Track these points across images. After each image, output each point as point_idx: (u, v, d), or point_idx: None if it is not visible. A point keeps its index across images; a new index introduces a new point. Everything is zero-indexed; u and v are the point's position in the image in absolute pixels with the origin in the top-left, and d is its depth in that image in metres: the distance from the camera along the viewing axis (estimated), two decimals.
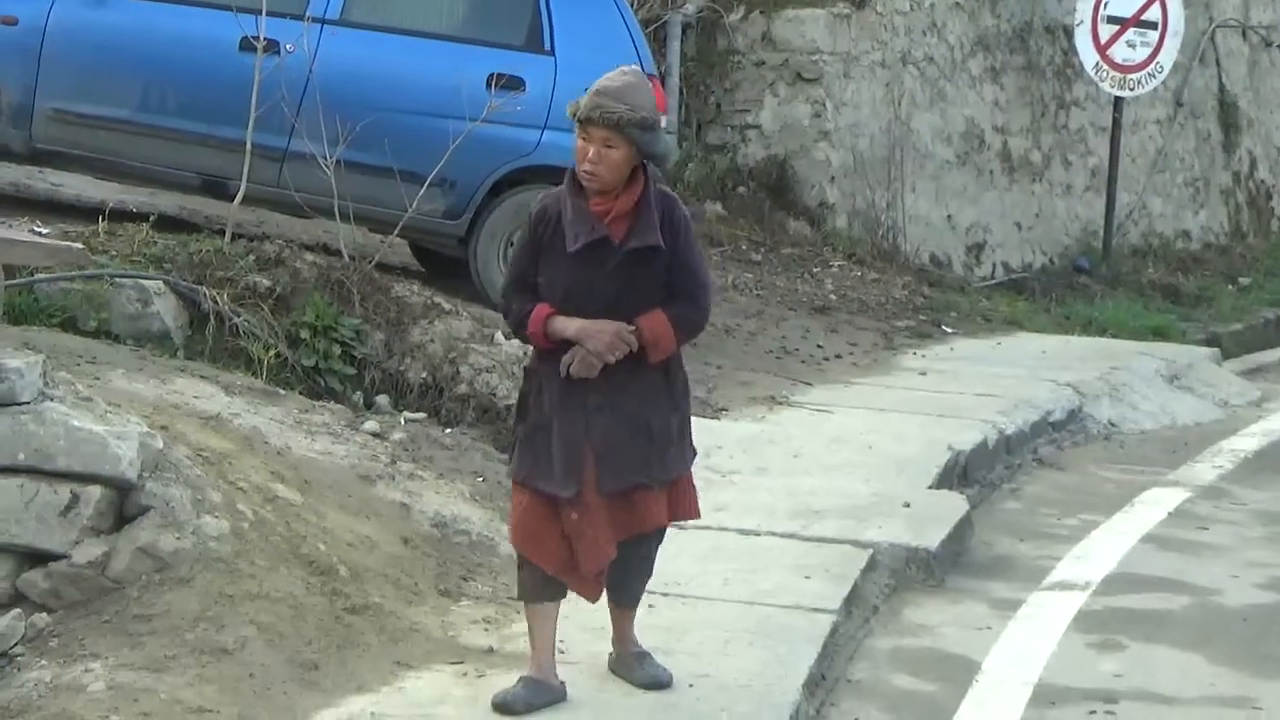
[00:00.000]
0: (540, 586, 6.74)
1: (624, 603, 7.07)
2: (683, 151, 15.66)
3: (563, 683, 6.84)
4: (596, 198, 6.49)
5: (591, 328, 6.44)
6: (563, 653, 7.14)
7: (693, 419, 11.22)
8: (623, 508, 6.65)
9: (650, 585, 8.61)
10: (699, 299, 6.68)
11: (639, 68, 6.70)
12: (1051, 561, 10.13)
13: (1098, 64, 18.15)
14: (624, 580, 6.95)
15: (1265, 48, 22.38)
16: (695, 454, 7.05)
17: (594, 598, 6.93)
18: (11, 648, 7.86)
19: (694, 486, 7.04)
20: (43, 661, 7.64)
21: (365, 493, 9.07)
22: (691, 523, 9.72)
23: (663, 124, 6.52)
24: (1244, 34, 21.91)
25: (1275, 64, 22.61)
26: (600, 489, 6.56)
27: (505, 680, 7.35)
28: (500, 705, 6.70)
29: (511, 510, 6.91)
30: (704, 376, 12.69)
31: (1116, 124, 18.46)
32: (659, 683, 6.98)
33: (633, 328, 6.47)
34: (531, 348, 6.93)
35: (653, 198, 6.52)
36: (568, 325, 6.48)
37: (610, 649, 7.31)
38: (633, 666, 7.02)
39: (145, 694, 7.09)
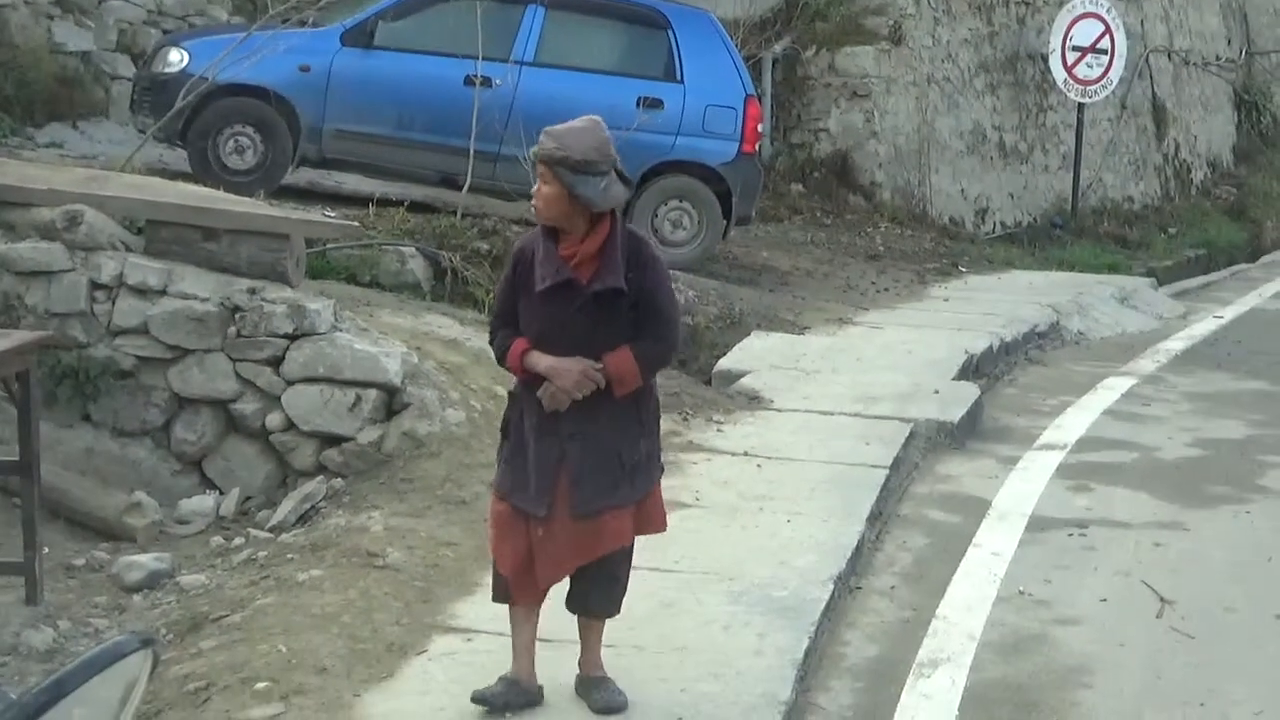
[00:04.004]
0: (511, 591, 5.39)
1: (587, 613, 5.49)
2: (774, 148, 15.68)
3: (541, 687, 5.43)
4: (565, 240, 5.21)
5: (560, 366, 5.16)
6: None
7: (785, 335, 11.54)
8: (589, 530, 5.27)
9: (758, 450, 8.80)
10: (664, 336, 5.31)
11: (599, 119, 5.25)
12: (1039, 430, 10.21)
13: (1066, 80, 18.12)
14: (586, 591, 5.43)
15: (1184, 65, 22.24)
16: (663, 470, 5.62)
17: (539, 600, 5.44)
18: (318, 503, 8.12)
19: (661, 500, 5.58)
20: (339, 512, 7.82)
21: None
22: (787, 405, 9.85)
23: (604, 169, 5.12)
24: (1169, 56, 21.74)
25: (1191, 78, 22.42)
26: (571, 511, 5.23)
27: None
28: (479, 699, 5.34)
29: (489, 517, 5.53)
30: (792, 304, 12.70)
31: (1080, 122, 18.38)
32: (612, 709, 5.38)
33: (600, 365, 5.17)
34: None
35: (619, 241, 5.21)
36: (540, 361, 5.20)
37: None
38: (590, 691, 5.44)
39: (410, 532, 7.16)
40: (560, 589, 5.49)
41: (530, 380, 5.29)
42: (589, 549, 5.31)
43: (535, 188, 5.21)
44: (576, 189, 5.10)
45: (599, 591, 5.45)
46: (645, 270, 5.26)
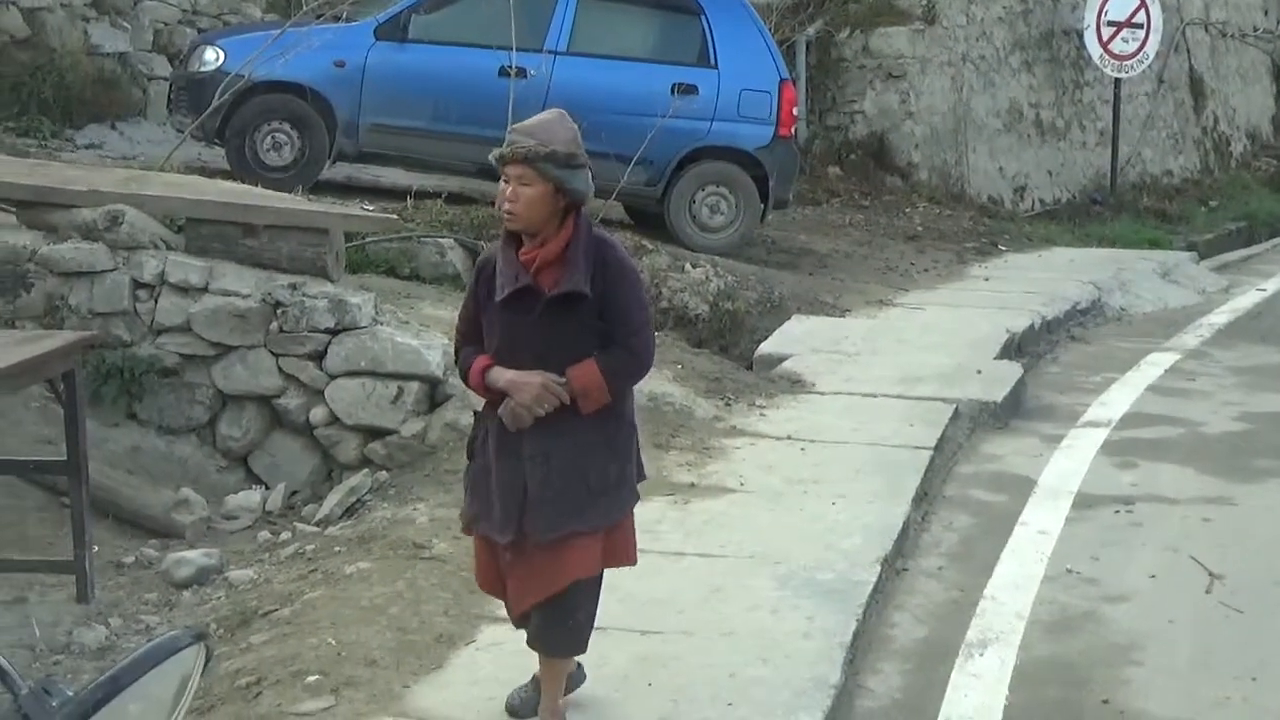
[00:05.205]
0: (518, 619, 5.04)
1: (546, 654, 5.01)
2: (810, 131, 15.65)
3: (575, 670, 5.20)
4: (525, 246, 4.79)
5: (520, 379, 4.73)
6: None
7: (826, 318, 11.51)
8: (553, 557, 4.80)
9: (802, 434, 8.77)
10: (633, 345, 4.83)
11: (563, 111, 4.89)
12: (1083, 407, 10.13)
13: (1102, 55, 17.99)
14: (541, 630, 4.94)
15: (1221, 38, 22.09)
16: (637, 498, 5.09)
17: (520, 625, 5.05)
18: (363, 496, 8.15)
19: (633, 531, 5.09)
20: (384, 504, 7.84)
21: None
22: (829, 388, 9.82)
23: (583, 162, 4.78)
24: (1206, 29, 21.59)
25: (1229, 50, 22.26)
26: (538, 536, 4.79)
27: (706, 505, 7.51)
28: (511, 709, 5.12)
29: (473, 550, 5.18)
30: (832, 287, 12.67)
31: (1117, 97, 18.28)
32: None
33: (563, 380, 4.73)
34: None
35: (583, 244, 4.77)
36: (500, 376, 4.77)
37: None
38: None
39: (455, 523, 6.74)
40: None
41: (494, 399, 4.86)
42: (553, 578, 4.84)
43: (508, 191, 4.75)
44: (568, 183, 4.72)
45: (554, 626, 4.94)
46: (612, 274, 4.81)
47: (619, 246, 4.99)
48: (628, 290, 4.86)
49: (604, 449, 4.88)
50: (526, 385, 4.75)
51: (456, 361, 5.13)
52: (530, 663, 5.15)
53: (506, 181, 4.75)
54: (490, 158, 4.85)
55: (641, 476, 5.17)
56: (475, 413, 5.16)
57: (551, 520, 4.79)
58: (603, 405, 4.83)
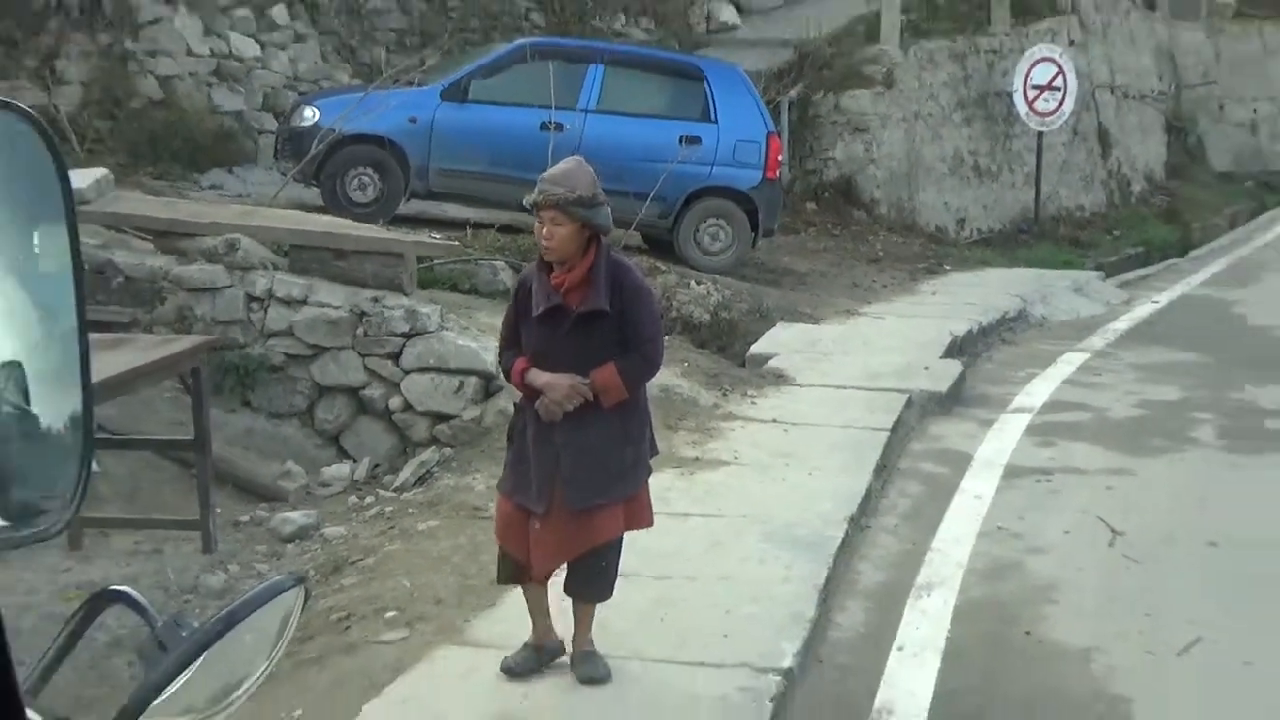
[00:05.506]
0: (514, 572, 4.97)
1: (580, 600, 5.01)
2: (791, 174, 15.48)
3: (561, 641, 5.06)
4: (556, 271, 4.78)
5: (553, 381, 4.74)
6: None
7: (804, 325, 11.48)
8: (584, 524, 4.82)
9: (784, 418, 8.69)
10: (646, 352, 4.83)
11: (580, 158, 4.95)
12: (1011, 396, 10.02)
13: (1027, 112, 17.85)
14: (579, 582, 4.97)
15: (1124, 98, 22.02)
16: (650, 472, 5.08)
17: (541, 582, 5.00)
18: (431, 468, 8.18)
19: (648, 500, 5.05)
20: (448, 475, 7.87)
21: None
22: (806, 382, 9.69)
23: (602, 200, 4.79)
24: (1111, 91, 21.52)
25: (1130, 108, 22.15)
26: (567, 506, 4.78)
27: (707, 476, 7.47)
28: (509, 669, 5.00)
29: (495, 512, 5.14)
30: (809, 300, 12.57)
31: (1039, 146, 18.12)
32: (593, 679, 4.98)
33: (588, 381, 4.74)
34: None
35: (603, 269, 4.78)
36: (537, 378, 4.78)
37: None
38: (579, 664, 5.00)
39: None
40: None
41: (530, 394, 4.85)
42: (583, 541, 4.86)
43: (544, 231, 4.73)
44: (593, 220, 4.72)
45: (591, 579, 4.97)
46: (628, 294, 4.80)
47: (634, 270, 4.97)
48: (641, 307, 4.86)
49: (622, 436, 4.87)
50: (558, 385, 4.75)
51: (500, 362, 5.14)
52: (523, 631, 5.07)
53: (542, 223, 4.75)
54: (525, 203, 4.86)
55: (655, 452, 5.14)
56: (515, 404, 5.10)
57: (580, 495, 4.78)
58: (621, 400, 4.83)
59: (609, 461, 4.83)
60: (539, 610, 5.02)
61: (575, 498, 4.79)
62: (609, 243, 4.91)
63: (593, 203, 4.73)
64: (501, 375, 6.05)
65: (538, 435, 4.82)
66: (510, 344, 4.97)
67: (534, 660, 5.00)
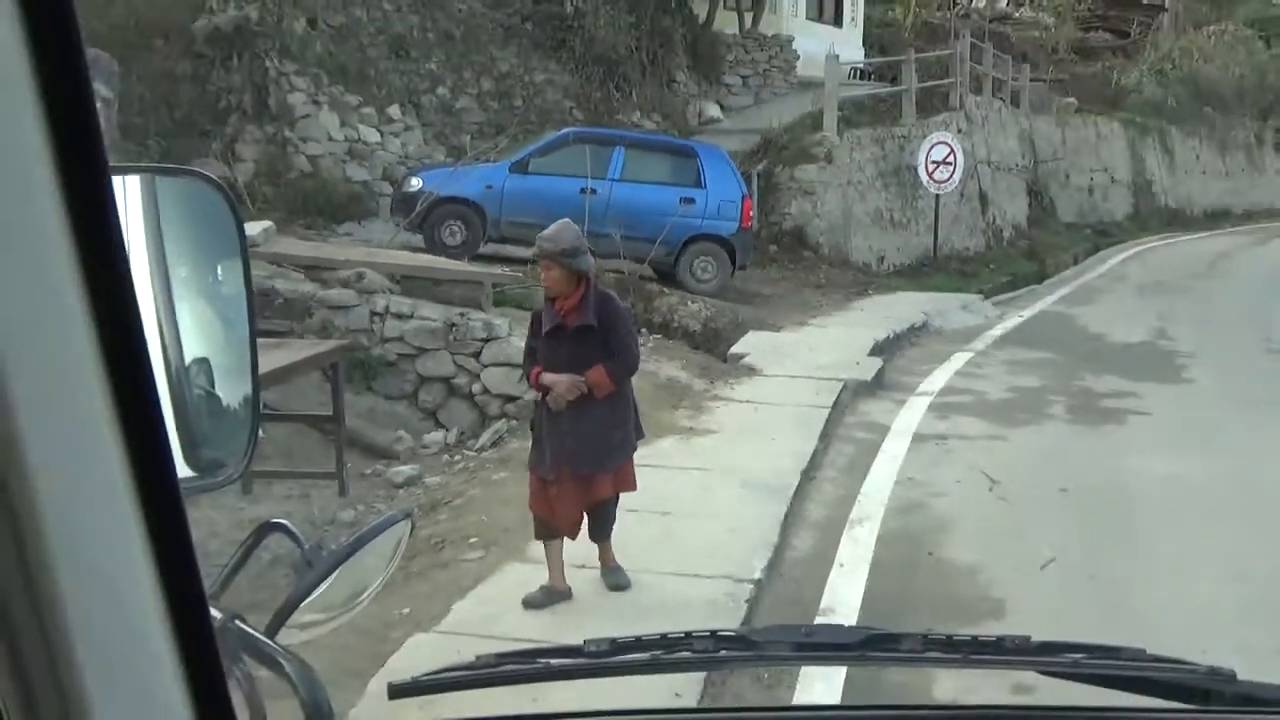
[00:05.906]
0: (544, 531, 4.91)
1: (600, 538, 5.02)
2: (759, 225, 15.20)
3: (569, 587, 4.94)
4: (557, 301, 4.75)
5: (558, 379, 4.72)
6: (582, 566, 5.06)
7: (769, 332, 11.39)
8: (585, 487, 4.82)
9: (755, 399, 8.59)
10: (625, 357, 4.82)
11: (568, 220, 4.92)
12: (917, 383, 9.88)
13: (928, 180, 17.70)
14: (595, 528, 4.97)
15: (997, 170, 21.89)
16: (636, 446, 5.05)
17: (572, 536, 4.95)
18: (503, 434, 8.15)
19: (632, 470, 5.00)
20: (515, 439, 7.83)
21: (641, 368, 9.13)
22: (771, 373, 9.52)
23: (584, 250, 4.74)
24: (988, 164, 21.42)
25: (1001, 178, 22.03)
26: (573, 473, 4.76)
27: (700, 441, 7.37)
28: (527, 602, 4.84)
29: (529, 485, 5.01)
30: (773, 315, 12.39)
31: (937, 205, 17.91)
32: (618, 586, 4.98)
33: (583, 379, 4.72)
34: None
35: (591, 298, 4.75)
36: (547, 378, 4.75)
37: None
38: (606, 575, 5.01)
39: None
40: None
41: (544, 392, 4.81)
42: (586, 498, 4.85)
43: (543, 275, 4.78)
44: (576, 266, 4.68)
45: (604, 524, 5.00)
46: (610, 315, 4.80)
47: (615, 299, 4.97)
48: (621, 324, 4.86)
49: (611, 423, 4.84)
50: (562, 381, 4.74)
51: (524, 370, 5.11)
52: (540, 576, 4.93)
53: (542, 269, 4.80)
54: (531, 254, 4.88)
55: (640, 435, 5.10)
56: (535, 401, 5.03)
57: (580, 465, 4.79)
58: (610, 392, 4.80)
59: (601, 441, 4.81)
60: (555, 562, 4.92)
61: (579, 467, 4.79)
62: (595, 278, 4.87)
63: (575, 253, 4.70)
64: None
65: (549, 422, 4.80)
66: (529, 357, 4.95)
67: (547, 600, 4.86)
